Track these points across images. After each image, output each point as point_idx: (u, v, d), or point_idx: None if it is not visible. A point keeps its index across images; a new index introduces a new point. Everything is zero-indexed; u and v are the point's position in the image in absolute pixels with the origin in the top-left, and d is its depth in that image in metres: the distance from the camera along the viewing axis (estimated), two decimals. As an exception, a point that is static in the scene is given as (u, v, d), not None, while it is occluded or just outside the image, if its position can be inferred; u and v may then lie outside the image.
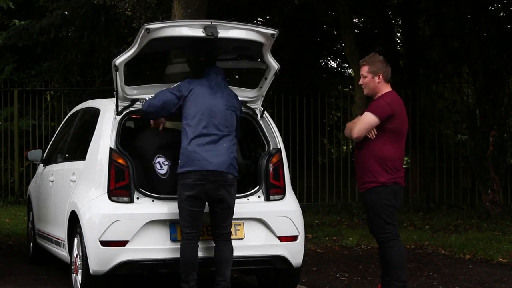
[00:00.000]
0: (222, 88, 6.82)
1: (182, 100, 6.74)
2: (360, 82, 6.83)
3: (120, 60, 6.67)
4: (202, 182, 6.50)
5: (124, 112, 7.01)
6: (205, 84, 6.80)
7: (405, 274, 6.67)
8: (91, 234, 6.63)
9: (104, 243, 6.57)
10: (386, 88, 6.74)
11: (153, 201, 6.73)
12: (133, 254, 6.60)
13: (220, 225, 6.62)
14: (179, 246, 6.56)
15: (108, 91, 14.35)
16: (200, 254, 6.61)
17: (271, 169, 7.03)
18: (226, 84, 6.89)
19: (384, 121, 6.57)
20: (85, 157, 7.17)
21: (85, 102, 8.77)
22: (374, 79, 6.71)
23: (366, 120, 6.61)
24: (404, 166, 6.78)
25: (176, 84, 6.91)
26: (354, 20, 18.49)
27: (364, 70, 6.76)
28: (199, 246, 6.62)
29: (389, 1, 16.76)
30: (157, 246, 6.61)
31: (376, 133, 6.61)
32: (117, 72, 6.73)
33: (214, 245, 6.62)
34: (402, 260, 6.66)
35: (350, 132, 6.74)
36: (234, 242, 6.75)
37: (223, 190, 6.56)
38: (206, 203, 6.59)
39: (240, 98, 7.32)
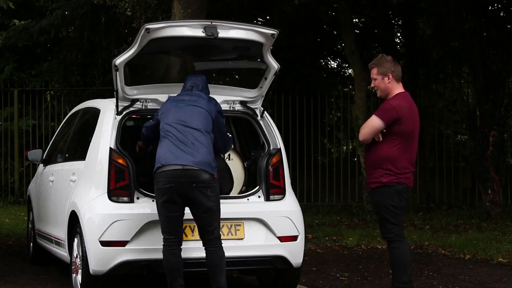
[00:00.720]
0: (195, 99, 6.66)
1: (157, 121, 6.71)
2: (372, 85, 6.83)
3: (120, 60, 6.67)
4: (172, 185, 6.29)
5: (124, 112, 7.02)
6: (175, 100, 6.70)
7: (408, 275, 6.62)
8: (91, 234, 6.63)
9: (104, 243, 6.57)
10: (398, 88, 6.71)
11: (153, 201, 6.73)
12: (133, 254, 6.60)
13: (205, 230, 6.41)
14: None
15: (108, 91, 14.37)
16: (200, 255, 6.59)
17: (271, 169, 7.04)
18: (202, 94, 6.72)
19: (390, 125, 6.54)
20: (85, 157, 7.18)
21: (85, 102, 8.77)
22: (384, 80, 6.69)
23: (371, 124, 6.58)
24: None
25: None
26: (354, 20, 18.47)
27: (373, 72, 6.75)
28: (196, 246, 6.60)
29: (389, 1, 16.76)
30: (157, 246, 6.60)
31: (381, 138, 6.57)
32: (117, 72, 6.74)
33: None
34: (405, 262, 6.60)
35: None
36: (234, 242, 6.75)
37: (196, 191, 6.32)
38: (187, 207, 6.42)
39: (240, 98, 7.35)
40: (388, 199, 6.56)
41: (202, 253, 6.54)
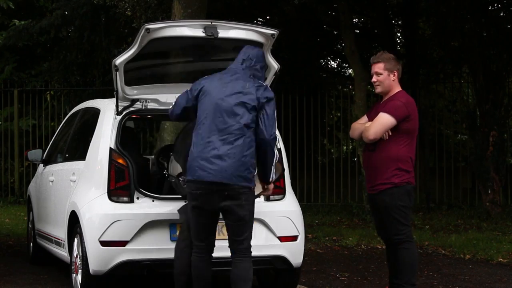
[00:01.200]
0: (239, 79, 6.10)
1: (194, 101, 6.16)
2: (374, 79, 6.72)
3: (120, 60, 6.67)
4: (203, 192, 5.94)
5: (124, 112, 7.01)
6: (216, 77, 6.19)
7: (416, 277, 6.61)
8: (91, 234, 6.63)
9: (104, 243, 6.57)
10: (398, 87, 6.70)
11: (153, 201, 6.73)
12: (133, 254, 6.60)
13: (234, 239, 6.05)
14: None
15: (108, 91, 14.37)
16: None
17: (271, 169, 7.03)
18: (247, 72, 6.15)
19: (400, 122, 6.52)
20: (85, 157, 7.17)
21: (85, 102, 8.77)
22: (389, 77, 6.65)
23: (383, 122, 6.52)
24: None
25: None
26: (354, 20, 18.48)
27: (380, 67, 6.66)
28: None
29: (389, 1, 16.76)
30: (157, 246, 6.62)
31: (390, 133, 6.55)
32: (117, 72, 6.74)
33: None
34: (415, 263, 6.59)
35: (363, 133, 6.65)
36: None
37: (228, 200, 5.94)
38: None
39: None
40: (399, 200, 6.51)
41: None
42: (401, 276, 6.58)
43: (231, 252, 6.10)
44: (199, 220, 6.06)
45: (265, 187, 6.34)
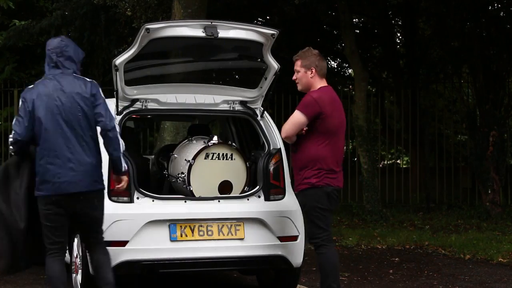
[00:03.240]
0: (66, 81, 5.87)
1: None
2: (294, 77, 6.57)
3: (120, 60, 6.67)
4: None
5: (124, 112, 7.02)
6: (45, 83, 5.90)
7: (337, 282, 6.32)
8: (91, 234, 6.62)
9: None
10: (321, 83, 6.46)
11: (153, 201, 6.74)
12: (133, 254, 6.60)
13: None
14: (179, 246, 6.56)
15: (108, 91, 14.34)
16: (200, 255, 6.59)
17: (271, 169, 7.04)
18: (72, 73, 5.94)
19: (313, 120, 6.29)
20: (85, 157, 7.16)
21: (85, 102, 8.75)
22: (306, 74, 6.45)
23: (293, 119, 6.33)
24: (339, 168, 6.49)
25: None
26: (354, 20, 18.48)
27: (297, 64, 6.49)
28: (199, 246, 6.60)
29: (389, 1, 16.76)
30: (157, 246, 6.62)
31: (304, 131, 6.32)
32: (117, 72, 6.74)
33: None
34: (333, 267, 6.30)
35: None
36: (234, 242, 6.77)
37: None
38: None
39: (240, 98, 7.34)
40: (317, 202, 6.28)
41: (202, 253, 6.55)
42: (323, 281, 6.35)
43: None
44: None
45: None
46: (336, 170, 6.41)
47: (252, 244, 6.87)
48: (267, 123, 7.36)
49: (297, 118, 6.35)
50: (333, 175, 6.39)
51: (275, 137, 7.24)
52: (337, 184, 6.45)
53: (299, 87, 6.59)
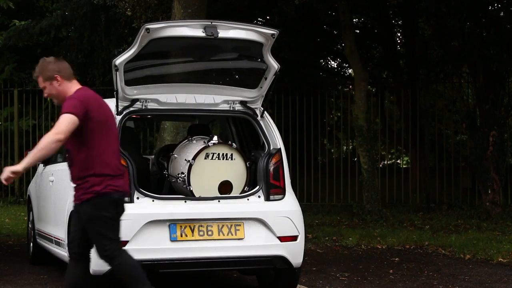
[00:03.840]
0: None
1: None
2: (45, 95, 5.94)
3: (120, 60, 6.67)
4: None
5: (124, 112, 7.02)
6: None
7: (148, 285, 5.67)
8: (91, 234, 6.62)
9: (104, 243, 6.56)
10: (74, 86, 5.81)
11: (153, 201, 6.73)
12: (133, 254, 6.57)
13: None
14: (179, 246, 6.56)
15: (108, 91, 14.36)
16: (200, 255, 6.59)
17: (271, 169, 7.04)
18: None
19: (83, 123, 5.57)
20: (85, 157, 7.16)
21: (85, 102, 8.75)
22: (53, 85, 5.84)
23: (66, 120, 5.51)
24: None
25: None
26: (354, 20, 18.49)
27: (40, 82, 5.92)
28: (199, 246, 6.60)
29: (389, 1, 16.76)
30: (157, 246, 6.62)
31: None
32: (117, 72, 6.74)
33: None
34: (135, 274, 5.70)
35: (50, 141, 5.50)
36: (234, 242, 6.76)
37: None
38: None
39: (240, 98, 7.34)
40: (104, 211, 5.63)
41: (202, 253, 6.54)
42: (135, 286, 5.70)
43: None
44: None
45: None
46: (119, 172, 5.81)
47: (252, 244, 6.87)
48: (267, 123, 7.36)
49: (69, 117, 5.57)
50: (117, 181, 5.76)
51: (275, 137, 7.24)
52: (123, 189, 5.87)
53: (55, 102, 5.93)
